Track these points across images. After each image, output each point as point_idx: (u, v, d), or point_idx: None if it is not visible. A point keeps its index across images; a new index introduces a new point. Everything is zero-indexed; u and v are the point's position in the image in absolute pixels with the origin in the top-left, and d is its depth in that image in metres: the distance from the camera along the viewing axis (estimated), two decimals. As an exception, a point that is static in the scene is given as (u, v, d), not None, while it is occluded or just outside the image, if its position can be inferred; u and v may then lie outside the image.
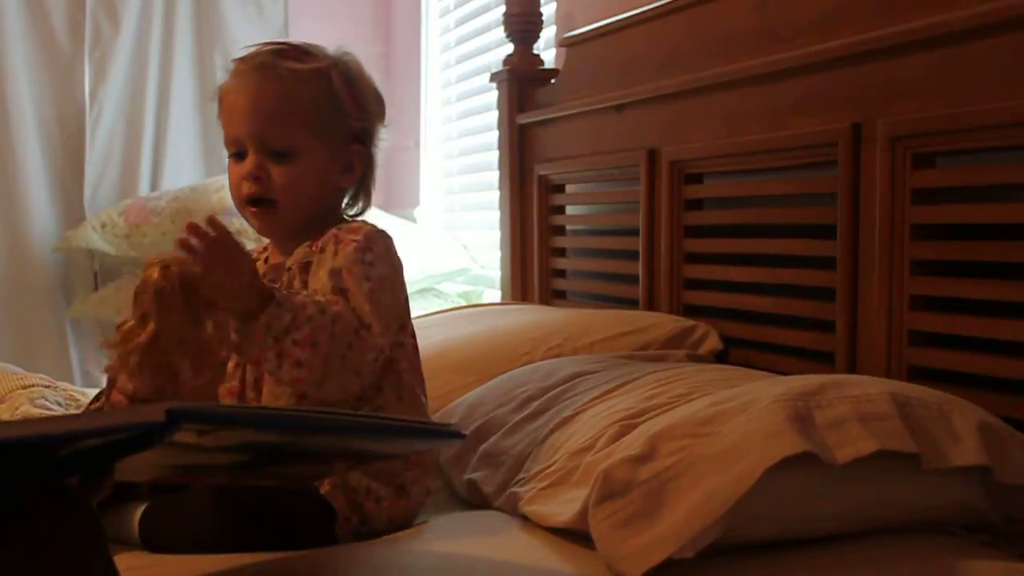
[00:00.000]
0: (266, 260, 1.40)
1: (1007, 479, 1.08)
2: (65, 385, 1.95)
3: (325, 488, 1.25)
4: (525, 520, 1.24)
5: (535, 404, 1.44)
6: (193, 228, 1.11)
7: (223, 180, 1.41)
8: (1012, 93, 1.27)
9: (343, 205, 1.42)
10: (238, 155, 1.36)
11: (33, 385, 1.83)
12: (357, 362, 1.20)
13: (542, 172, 2.48)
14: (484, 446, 1.42)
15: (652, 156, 2.02)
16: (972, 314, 1.35)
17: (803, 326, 1.66)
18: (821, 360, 1.59)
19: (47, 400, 1.78)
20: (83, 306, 3.53)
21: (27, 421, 1.23)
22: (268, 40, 1.42)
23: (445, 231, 3.59)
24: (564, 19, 2.71)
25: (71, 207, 3.65)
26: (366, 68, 1.41)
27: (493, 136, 2.78)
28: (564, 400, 1.42)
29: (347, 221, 1.39)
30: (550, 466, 1.27)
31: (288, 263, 1.35)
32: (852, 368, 1.51)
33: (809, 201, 1.65)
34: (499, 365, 1.73)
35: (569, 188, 2.43)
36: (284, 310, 1.14)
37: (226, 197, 1.42)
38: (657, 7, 2.06)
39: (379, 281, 1.26)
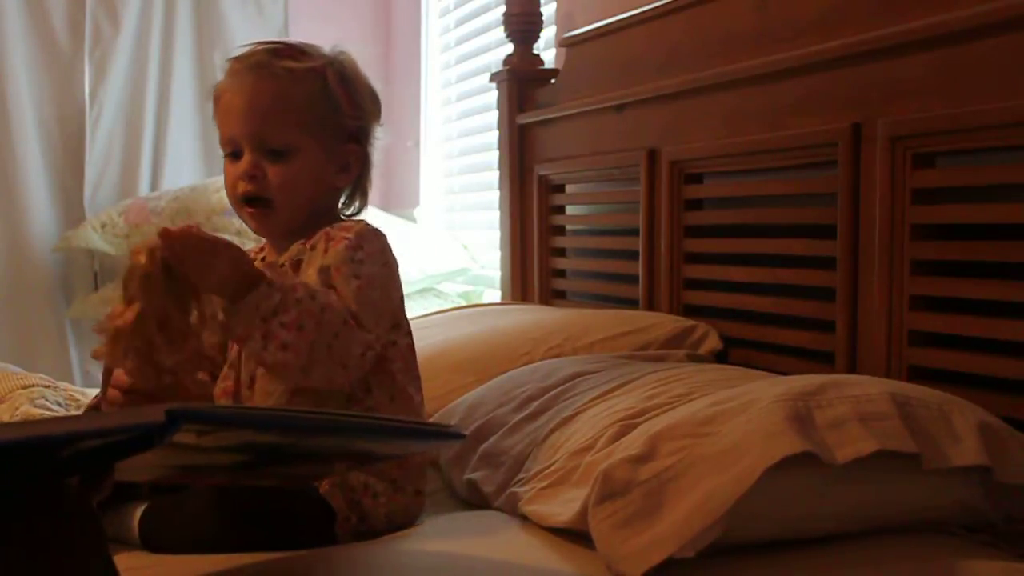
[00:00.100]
0: (263, 260, 1.40)
1: (1007, 479, 1.08)
2: (65, 385, 1.95)
3: (324, 488, 1.25)
4: (525, 520, 1.24)
5: (535, 404, 1.44)
6: (164, 232, 1.12)
7: (223, 180, 1.41)
8: (1012, 93, 1.27)
9: (340, 204, 1.42)
10: (234, 155, 1.35)
11: (33, 385, 1.83)
12: (343, 354, 1.19)
13: (542, 172, 2.48)
14: (484, 446, 1.42)
15: (652, 156, 2.02)
16: (972, 314, 1.35)
17: (803, 326, 1.66)
18: (821, 360, 1.59)
19: (47, 400, 1.78)
20: (83, 306, 3.53)
21: (27, 422, 1.23)
22: (265, 39, 1.42)
23: (445, 231, 3.59)
24: (564, 19, 2.71)
25: (71, 207, 3.65)
26: (363, 67, 1.40)
27: (493, 136, 2.78)
28: (564, 400, 1.42)
29: (343, 220, 1.39)
30: (550, 466, 1.27)
31: (281, 260, 1.34)
32: (852, 368, 1.51)
33: (809, 201, 1.65)
34: (499, 365, 1.73)
35: (569, 188, 2.43)
36: (274, 290, 1.14)
37: (225, 197, 1.42)
38: (657, 7, 2.06)
39: (368, 279, 1.25)
